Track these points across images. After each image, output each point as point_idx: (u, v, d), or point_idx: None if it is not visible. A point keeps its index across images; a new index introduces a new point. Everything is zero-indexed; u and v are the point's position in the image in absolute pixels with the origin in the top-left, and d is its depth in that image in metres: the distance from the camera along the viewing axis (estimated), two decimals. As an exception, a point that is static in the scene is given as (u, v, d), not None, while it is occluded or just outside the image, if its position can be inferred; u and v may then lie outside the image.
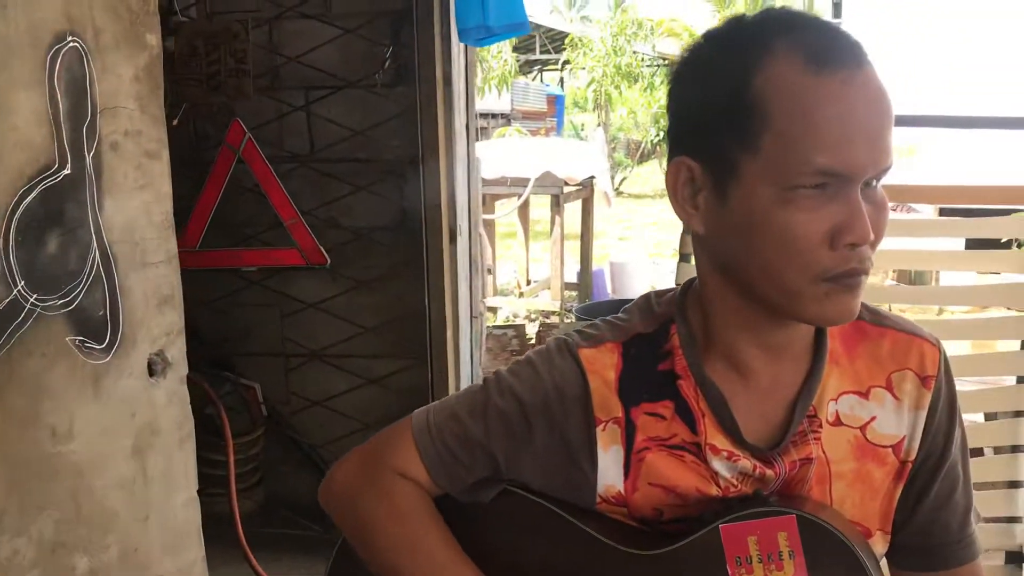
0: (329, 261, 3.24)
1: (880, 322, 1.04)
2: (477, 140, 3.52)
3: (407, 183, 3.30)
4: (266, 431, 3.59)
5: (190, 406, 2.06)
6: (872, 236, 0.88)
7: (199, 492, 3.40)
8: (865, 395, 1.02)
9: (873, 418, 1.01)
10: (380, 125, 3.25)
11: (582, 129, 18.58)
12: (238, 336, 3.53)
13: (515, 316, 6.80)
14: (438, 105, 3.11)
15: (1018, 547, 1.59)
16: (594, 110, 19.62)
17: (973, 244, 1.87)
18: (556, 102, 18.86)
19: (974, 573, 1.05)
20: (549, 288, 7.60)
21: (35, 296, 1.64)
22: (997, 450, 1.67)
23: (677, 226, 1.50)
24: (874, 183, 0.90)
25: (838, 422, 1.01)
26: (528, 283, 7.79)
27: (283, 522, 3.45)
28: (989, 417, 1.82)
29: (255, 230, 3.36)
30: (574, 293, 7.30)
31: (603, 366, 1.02)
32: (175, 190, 1.98)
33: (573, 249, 8.06)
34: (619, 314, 1.08)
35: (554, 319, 6.55)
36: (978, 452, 1.81)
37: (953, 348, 1.84)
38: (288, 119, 3.38)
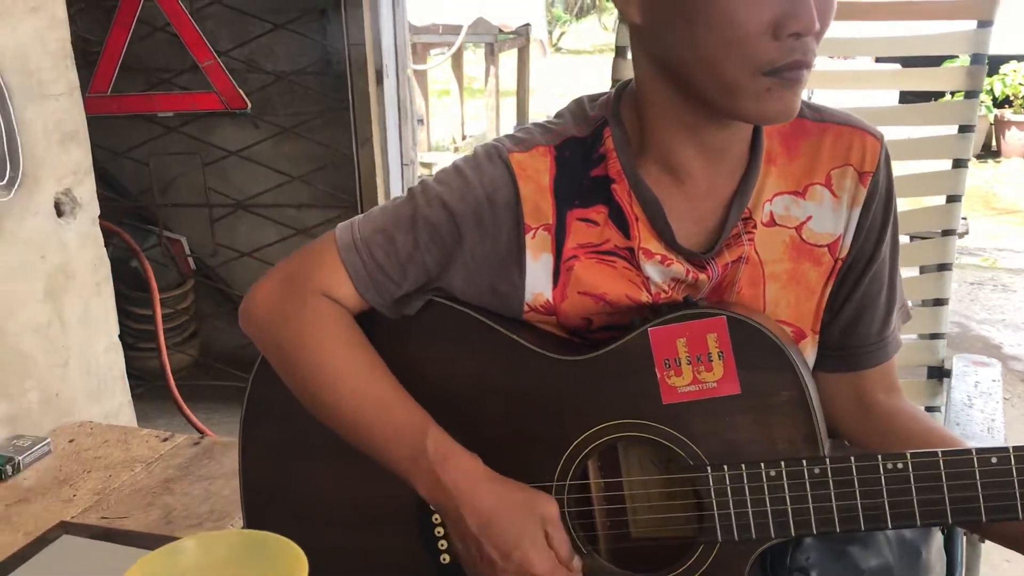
0: (250, 106, 3.09)
1: (822, 118, 1.00)
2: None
3: (330, 22, 3.13)
4: (196, 285, 3.52)
5: (105, 249, 1.97)
6: (818, 26, 0.82)
7: (131, 347, 3.36)
8: (802, 194, 0.98)
9: (809, 217, 0.99)
10: (299, -43, 3.06)
11: (514, -19, 17.88)
12: (160, 187, 3.39)
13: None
14: (360, -66, 2.92)
15: (939, 362, 1.62)
16: (529, -40, 18.87)
17: (907, 98, 1.83)
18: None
19: (886, 371, 1.05)
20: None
21: (-80, 127, 1.52)
22: (923, 269, 1.68)
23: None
24: None
25: (772, 223, 0.98)
26: (464, 138, 7.64)
27: (218, 375, 3.41)
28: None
29: (170, 74, 3.18)
30: (510, 147, 7.15)
31: (535, 171, 0.97)
32: (82, 32, 1.84)
33: (508, 106, 7.87)
34: (551, 118, 1.03)
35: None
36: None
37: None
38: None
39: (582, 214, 0.97)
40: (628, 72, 0.99)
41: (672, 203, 0.96)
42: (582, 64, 15.17)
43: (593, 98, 1.03)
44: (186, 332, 3.52)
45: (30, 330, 1.76)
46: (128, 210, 3.42)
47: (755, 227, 0.97)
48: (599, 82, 12.27)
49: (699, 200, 0.97)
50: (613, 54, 1.66)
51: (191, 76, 3.15)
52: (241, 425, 1.07)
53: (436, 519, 1.00)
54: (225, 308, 3.56)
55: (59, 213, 1.81)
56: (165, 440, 1.80)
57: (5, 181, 1.68)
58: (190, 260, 3.47)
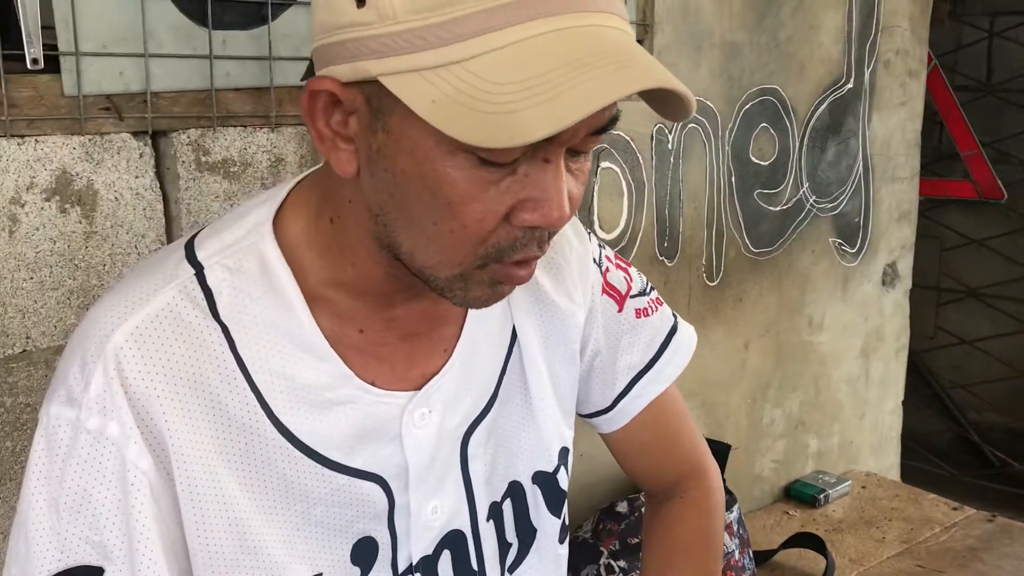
0: (1006, 196, 3.08)
1: None
2: None
3: None
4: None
5: (909, 319, 2.14)
6: None
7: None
8: None
9: None
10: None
11: None
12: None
13: None
14: None
15: None
16: None
17: None
18: None
19: None
20: None
21: (813, 198, 1.82)
22: None
23: None
24: None
25: None
26: None
27: (909, 453, 3.43)
28: None
29: (924, 160, 3.31)
30: None
31: None
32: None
33: None
34: None
35: None
36: None
37: None
38: (967, 47, 3.24)
39: None
40: None
41: None
42: None
43: None
44: (879, 406, 3.62)
45: (845, 381, 1.99)
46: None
47: None
48: None
49: None
50: None
51: (941, 163, 3.24)
52: None
53: None
54: (923, 391, 3.57)
55: (883, 282, 2.02)
56: (955, 509, 1.89)
57: (855, 249, 1.94)
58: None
